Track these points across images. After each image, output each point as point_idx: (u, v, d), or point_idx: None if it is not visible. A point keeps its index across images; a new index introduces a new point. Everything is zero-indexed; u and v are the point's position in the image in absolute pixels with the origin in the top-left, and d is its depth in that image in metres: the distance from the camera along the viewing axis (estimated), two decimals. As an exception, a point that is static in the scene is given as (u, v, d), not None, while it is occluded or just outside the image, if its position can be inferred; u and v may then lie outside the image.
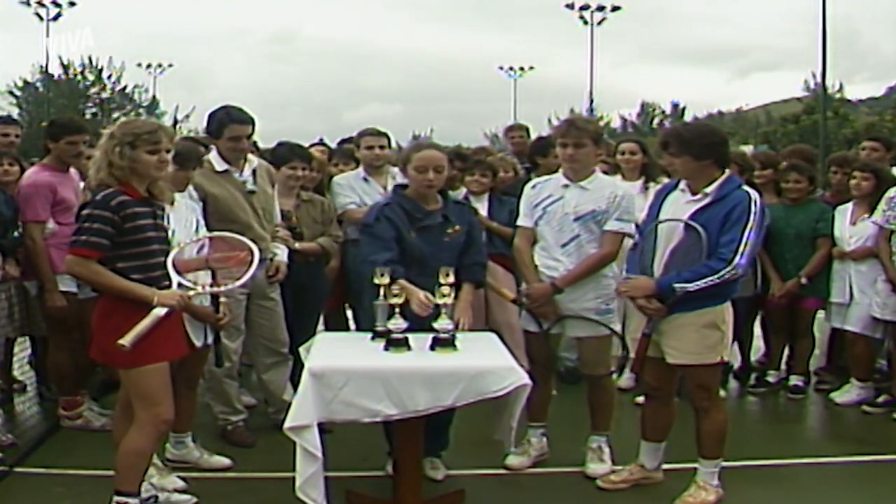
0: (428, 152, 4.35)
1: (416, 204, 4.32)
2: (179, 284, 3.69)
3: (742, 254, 3.92)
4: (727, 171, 4.15)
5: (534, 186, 4.75)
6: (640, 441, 4.42)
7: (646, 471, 4.40)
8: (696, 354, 4.07)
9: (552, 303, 4.52)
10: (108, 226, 3.49)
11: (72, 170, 5.25)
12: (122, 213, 3.52)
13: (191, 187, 4.68)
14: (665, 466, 4.45)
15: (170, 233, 4.02)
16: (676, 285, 3.96)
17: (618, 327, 4.73)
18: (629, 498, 4.32)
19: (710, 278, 3.94)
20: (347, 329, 5.94)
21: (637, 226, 4.58)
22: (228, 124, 4.91)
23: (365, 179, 5.86)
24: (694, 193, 4.11)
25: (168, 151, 3.70)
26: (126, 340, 3.44)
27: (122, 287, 3.54)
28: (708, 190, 4.06)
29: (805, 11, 32.36)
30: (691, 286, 3.94)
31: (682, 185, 4.19)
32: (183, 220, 4.32)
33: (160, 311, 3.54)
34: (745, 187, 4.10)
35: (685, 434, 4.26)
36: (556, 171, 4.79)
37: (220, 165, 4.95)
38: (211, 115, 5.04)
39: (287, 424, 3.62)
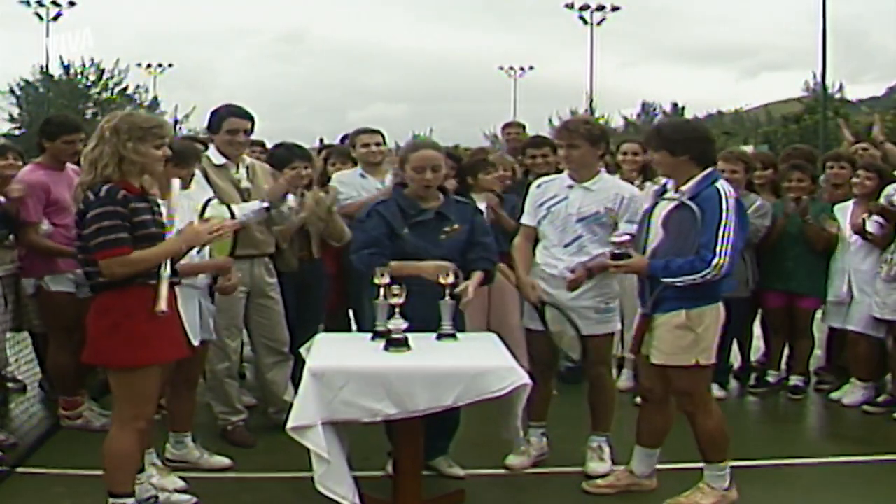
0: (424, 152, 4.38)
1: (411, 201, 4.35)
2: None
3: (720, 253, 3.87)
4: (709, 169, 4.12)
5: (539, 185, 4.76)
6: (635, 446, 4.38)
7: (634, 477, 4.35)
8: (669, 355, 4.06)
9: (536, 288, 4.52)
10: (123, 220, 3.46)
11: (69, 167, 5.23)
12: (128, 208, 3.50)
13: (200, 175, 4.74)
14: (671, 467, 4.43)
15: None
16: (664, 279, 3.98)
17: (618, 326, 4.75)
18: (630, 498, 4.32)
19: (692, 277, 3.92)
20: (347, 329, 5.95)
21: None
22: (227, 117, 5.07)
23: (362, 176, 5.93)
24: (676, 190, 4.12)
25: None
26: (162, 307, 3.47)
27: (158, 255, 3.54)
28: (684, 188, 4.06)
29: (813, 11, 32.38)
30: (676, 281, 3.95)
31: (670, 183, 4.22)
32: (186, 219, 4.32)
33: (165, 273, 3.56)
34: (718, 184, 4.04)
35: (687, 434, 4.23)
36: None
37: (218, 160, 5.04)
38: (212, 113, 5.19)
39: (290, 425, 3.62)
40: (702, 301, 4.02)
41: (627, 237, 4.18)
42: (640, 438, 4.36)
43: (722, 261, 3.87)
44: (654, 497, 4.27)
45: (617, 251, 4.13)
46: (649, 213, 4.24)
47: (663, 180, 6.14)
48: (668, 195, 4.16)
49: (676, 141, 4.09)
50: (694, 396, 4.10)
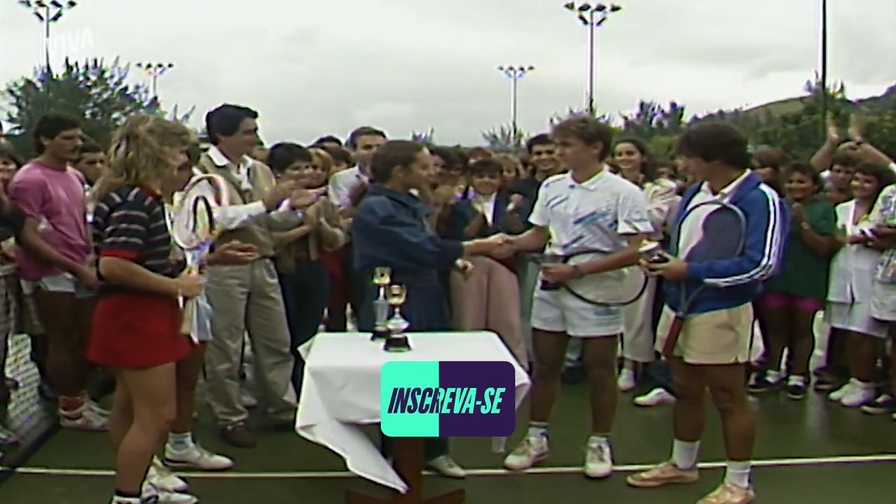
0: (427, 150, 4.56)
1: (410, 197, 4.41)
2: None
3: (769, 255, 3.93)
4: (747, 171, 4.15)
5: (547, 185, 4.77)
6: (674, 440, 4.43)
7: (678, 470, 4.41)
8: (709, 354, 4.09)
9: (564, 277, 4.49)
10: (142, 225, 3.51)
11: (71, 171, 5.21)
12: (151, 213, 3.55)
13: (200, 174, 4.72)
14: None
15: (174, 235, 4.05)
16: (707, 280, 3.98)
17: (620, 328, 4.74)
18: (634, 498, 4.33)
19: (739, 277, 3.96)
20: (345, 329, 5.97)
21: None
22: (244, 118, 5.03)
23: (358, 177, 5.91)
24: (714, 193, 4.13)
25: None
26: (186, 329, 3.60)
27: (156, 283, 3.57)
28: (726, 191, 4.09)
29: (818, 11, 32.18)
30: (720, 282, 3.97)
31: (705, 185, 4.23)
32: (183, 222, 4.31)
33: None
34: (763, 187, 4.10)
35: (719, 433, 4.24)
36: None
37: (220, 161, 4.98)
38: (215, 113, 5.11)
39: (298, 424, 3.62)
40: (741, 300, 4.08)
41: (656, 245, 4.17)
42: (679, 433, 4.42)
43: (771, 262, 3.94)
44: (671, 498, 4.29)
45: (653, 258, 4.11)
46: (682, 217, 4.25)
47: (665, 181, 6.21)
48: (706, 198, 4.15)
49: (707, 146, 4.11)
50: (732, 393, 4.15)
